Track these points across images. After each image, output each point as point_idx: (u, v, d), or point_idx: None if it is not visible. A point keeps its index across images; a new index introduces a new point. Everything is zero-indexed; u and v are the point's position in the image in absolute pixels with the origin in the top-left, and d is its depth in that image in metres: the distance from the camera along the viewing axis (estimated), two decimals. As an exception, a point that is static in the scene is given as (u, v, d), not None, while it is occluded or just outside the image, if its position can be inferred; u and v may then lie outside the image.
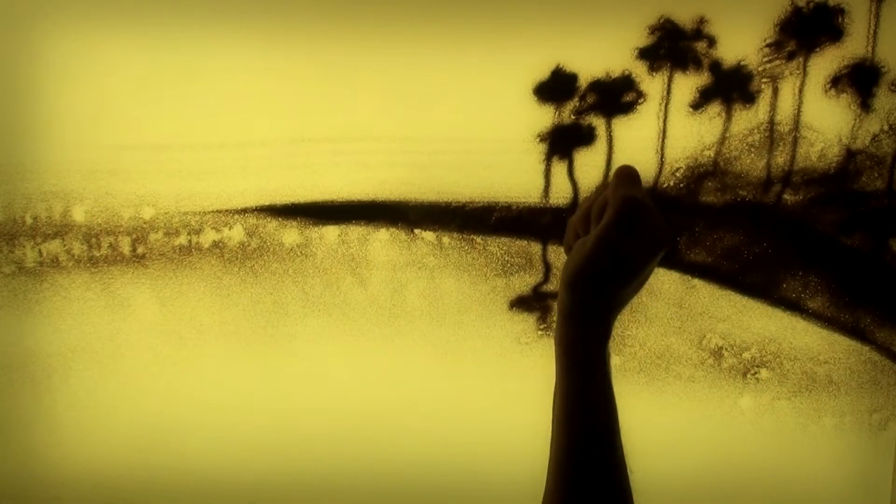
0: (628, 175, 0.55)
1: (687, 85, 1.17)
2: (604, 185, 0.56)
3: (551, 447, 0.58)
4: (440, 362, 1.23)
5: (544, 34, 1.15)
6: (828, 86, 1.16)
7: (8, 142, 1.19)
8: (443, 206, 1.20)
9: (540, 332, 1.23)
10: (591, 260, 0.53)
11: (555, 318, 0.61)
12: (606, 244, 0.53)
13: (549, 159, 1.19)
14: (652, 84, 1.17)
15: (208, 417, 1.24)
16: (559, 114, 1.18)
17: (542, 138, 1.18)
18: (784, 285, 1.21)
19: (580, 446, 0.56)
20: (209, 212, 1.21)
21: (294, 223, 1.21)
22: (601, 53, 1.16)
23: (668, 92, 1.17)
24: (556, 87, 1.16)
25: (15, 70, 1.17)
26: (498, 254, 1.22)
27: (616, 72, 1.16)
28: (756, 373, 1.22)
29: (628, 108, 1.17)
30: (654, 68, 1.16)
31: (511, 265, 1.22)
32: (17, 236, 1.21)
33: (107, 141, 1.19)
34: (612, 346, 1.23)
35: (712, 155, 1.19)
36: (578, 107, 1.17)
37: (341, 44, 1.16)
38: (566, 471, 0.55)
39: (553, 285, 1.22)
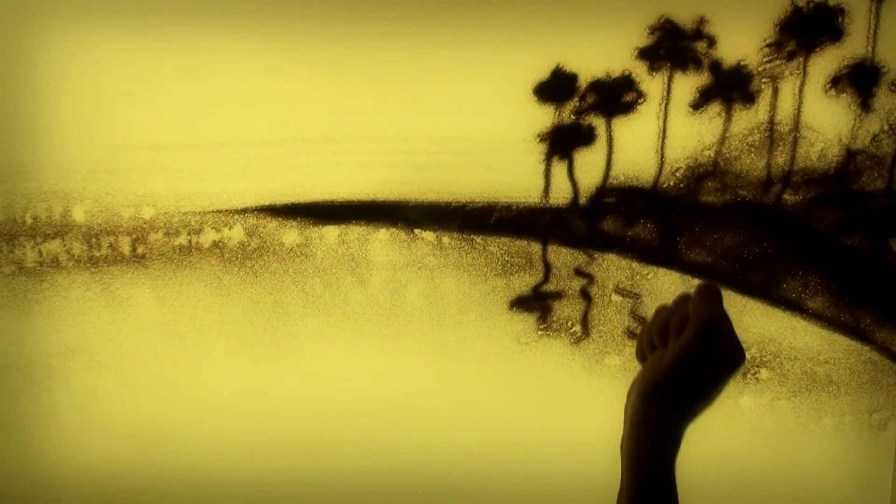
0: (712, 293, 0.56)
1: (687, 85, 1.17)
2: (683, 298, 0.57)
3: None
4: (440, 362, 1.23)
5: (544, 34, 1.15)
6: (828, 86, 1.16)
7: (8, 142, 1.19)
8: (443, 206, 1.20)
9: (540, 332, 1.23)
10: (671, 375, 0.55)
11: (622, 425, 0.62)
12: (688, 361, 0.54)
13: (549, 159, 1.19)
14: (652, 84, 1.17)
15: (208, 417, 1.24)
16: (559, 114, 1.17)
17: (542, 138, 1.18)
18: (784, 285, 1.21)
19: None
20: (209, 212, 1.21)
21: (294, 223, 1.21)
22: (601, 53, 1.16)
23: (668, 92, 1.17)
24: (556, 87, 1.16)
25: (15, 70, 1.17)
26: (498, 254, 1.22)
27: (616, 72, 1.16)
28: (756, 373, 1.22)
29: (628, 108, 1.17)
30: (654, 68, 1.16)
31: (511, 265, 1.22)
32: (17, 236, 1.21)
33: (107, 141, 1.19)
34: (612, 345, 1.23)
35: (712, 155, 1.19)
36: (578, 107, 1.17)
37: (341, 44, 1.16)
38: None
39: (553, 285, 1.22)
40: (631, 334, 1.23)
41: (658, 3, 1.14)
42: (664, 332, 0.57)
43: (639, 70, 1.16)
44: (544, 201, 1.20)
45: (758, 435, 1.21)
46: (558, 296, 1.22)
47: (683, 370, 0.55)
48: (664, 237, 1.21)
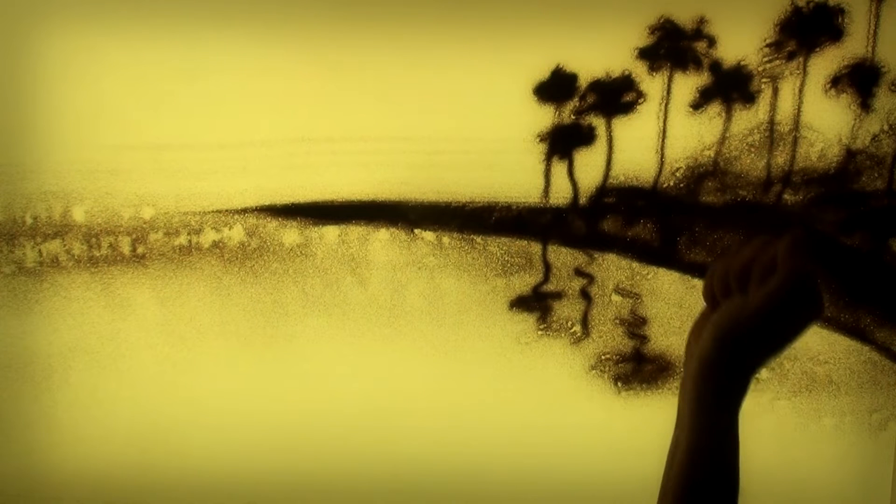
0: (805, 243, 0.55)
1: (687, 85, 1.17)
2: (767, 241, 0.56)
3: (665, 499, 0.59)
4: (440, 362, 1.23)
5: (544, 34, 1.15)
6: (828, 86, 1.16)
7: (8, 142, 1.19)
8: (443, 206, 1.20)
9: (540, 332, 1.23)
10: (752, 324, 0.54)
11: (682, 369, 0.61)
12: (772, 313, 0.54)
13: (549, 159, 1.19)
14: (652, 84, 1.17)
15: (208, 417, 1.24)
16: (559, 114, 1.18)
17: (542, 138, 1.18)
18: (784, 285, 1.21)
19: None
20: (209, 212, 1.21)
21: (294, 223, 1.21)
22: (601, 53, 1.16)
23: (668, 92, 1.17)
24: (556, 87, 1.16)
25: (15, 70, 1.17)
26: (498, 254, 1.22)
27: (616, 72, 1.16)
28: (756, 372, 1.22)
29: (628, 108, 1.17)
30: (654, 68, 1.16)
31: (511, 265, 1.22)
32: (17, 236, 1.21)
33: (107, 141, 1.19)
34: (612, 345, 1.23)
35: (712, 155, 1.19)
36: (578, 107, 1.17)
37: (341, 44, 1.16)
38: None
39: (553, 285, 1.22)
40: (622, 322, 1.23)
41: (658, 3, 1.14)
42: (744, 276, 0.56)
43: (639, 70, 1.16)
44: (544, 201, 1.20)
45: (758, 435, 1.21)
46: (558, 296, 1.22)
47: (766, 321, 0.54)
48: (664, 237, 1.21)
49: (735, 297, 0.56)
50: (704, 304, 0.60)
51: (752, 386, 1.26)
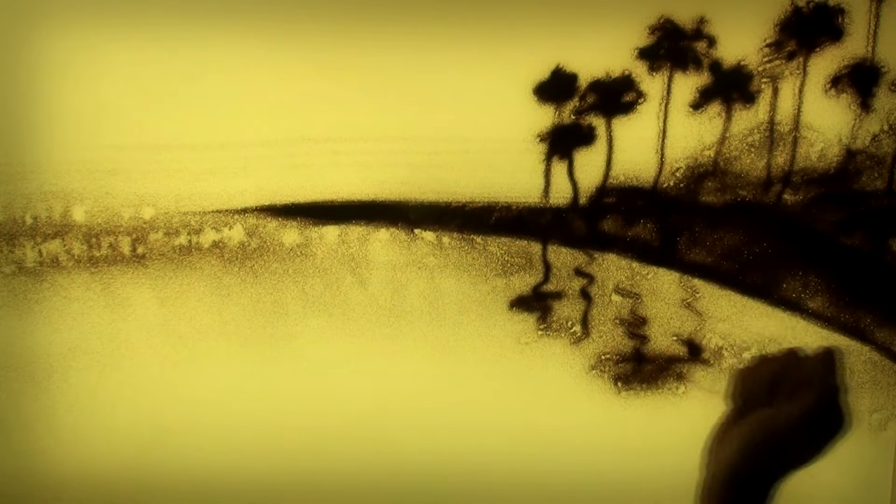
0: (835, 361, 0.57)
1: (687, 85, 1.17)
2: (795, 354, 0.58)
3: None
4: (440, 362, 1.23)
5: (544, 34, 1.15)
6: (828, 86, 1.16)
7: (8, 142, 1.19)
8: (443, 206, 1.20)
9: (540, 332, 1.23)
10: (783, 439, 0.56)
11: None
12: (802, 430, 0.55)
13: (549, 159, 1.19)
14: (652, 84, 1.17)
15: (208, 417, 1.24)
16: (559, 114, 1.18)
17: (542, 138, 1.18)
18: (784, 285, 1.21)
19: None
20: (209, 212, 1.21)
21: (294, 223, 1.21)
22: (601, 53, 1.16)
23: (668, 92, 1.17)
24: (556, 87, 1.16)
25: (15, 70, 1.17)
26: (498, 254, 1.22)
27: (616, 72, 1.16)
28: (756, 373, 1.22)
29: (628, 108, 1.17)
30: (654, 68, 1.16)
31: (511, 265, 1.22)
32: (17, 236, 1.21)
33: (107, 141, 1.19)
34: (612, 345, 1.23)
35: (712, 155, 1.19)
36: (578, 107, 1.17)
37: (341, 44, 1.16)
38: None
39: (553, 285, 1.22)
40: (622, 322, 1.23)
41: (658, 3, 1.14)
42: (773, 387, 0.58)
43: (639, 70, 1.16)
44: (544, 201, 1.20)
45: (758, 435, 1.21)
46: (558, 296, 1.22)
47: (797, 437, 0.56)
48: (664, 237, 1.21)
49: (763, 409, 0.58)
50: (727, 407, 0.61)
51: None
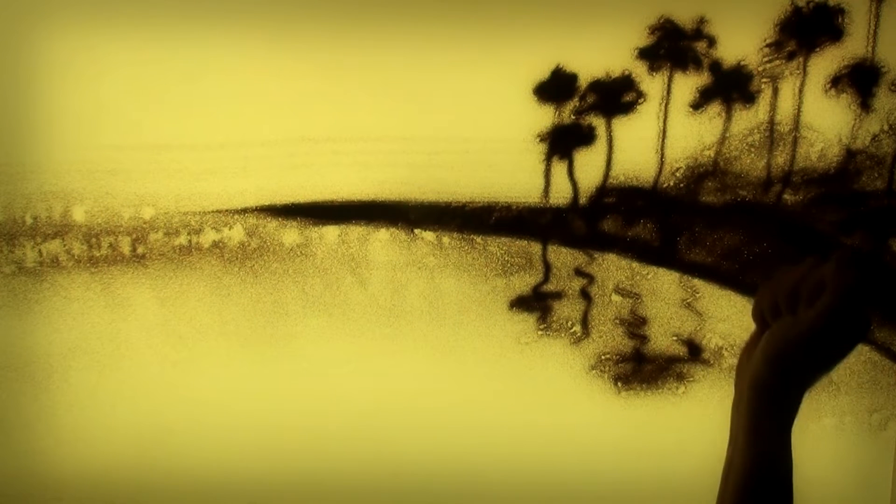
0: (852, 263, 0.56)
1: (687, 85, 1.17)
2: (814, 262, 0.57)
3: None
4: (440, 362, 1.23)
5: (544, 34, 1.15)
6: (828, 86, 1.16)
7: (8, 142, 1.19)
8: (443, 206, 1.20)
9: (540, 332, 1.23)
10: (805, 344, 0.55)
11: (734, 389, 0.62)
12: (824, 332, 0.55)
13: (549, 159, 1.19)
14: (652, 84, 1.17)
15: (208, 417, 1.24)
16: (559, 114, 1.18)
17: (542, 138, 1.18)
18: (784, 285, 1.21)
19: None
20: (209, 212, 1.21)
21: (294, 223, 1.21)
22: (601, 53, 1.16)
23: (668, 92, 1.17)
24: (556, 87, 1.16)
25: (15, 70, 1.17)
26: (498, 254, 1.22)
27: (616, 72, 1.16)
28: (756, 373, 1.22)
29: (628, 108, 1.17)
30: (654, 68, 1.16)
31: (511, 265, 1.22)
32: (17, 236, 1.21)
33: (107, 141, 1.19)
34: (612, 345, 1.23)
35: (712, 155, 1.19)
36: (578, 107, 1.17)
37: (341, 44, 1.16)
38: None
39: (553, 285, 1.22)
40: (622, 322, 1.23)
41: (658, 3, 1.14)
42: (793, 297, 0.57)
43: (639, 70, 1.16)
44: (544, 201, 1.20)
45: (758, 435, 1.21)
46: (558, 296, 1.22)
47: (816, 340, 0.55)
48: (664, 237, 1.21)
49: (785, 317, 0.57)
50: (754, 324, 0.61)
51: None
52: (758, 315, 0.60)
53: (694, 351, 1.23)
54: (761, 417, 0.58)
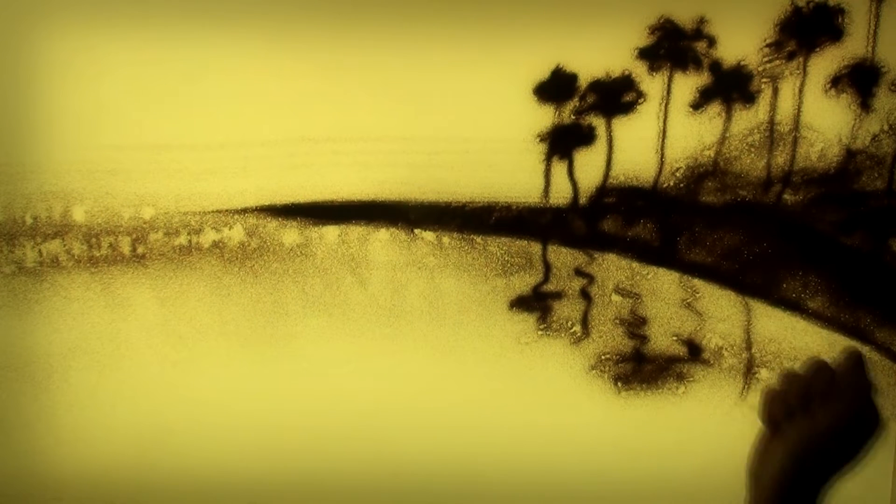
0: (863, 363, 0.60)
1: (687, 85, 1.17)
2: (820, 363, 0.61)
3: None
4: (440, 362, 1.23)
5: (544, 34, 1.15)
6: (828, 86, 1.16)
7: (8, 142, 1.19)
8: (443, 206, 1.20)
9: (540, 332, 1.23)
10: (825, 444, 0.59)
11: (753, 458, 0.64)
12: (842, 433, 0.58)
13: (549, 159, 1.19)
14: (652, 84, 1.17)
15: (208, 417, 1.24)
16: (559, 114, 1.18)
17: (542, 138, 1.18)
18: (784, 285, 1.21)
19: None
20: (209, 212, 1.21)
21: (294, 223, 1.21)
22: (601, 53, 1.16)
23: (668, 92, 1.17)
24: (556, 87, 1.16)
25: (15, 70, 1.17)
26: (498, 254, 1.22)
27: (616, 72, 1.16)
28: (756, 373, 1.22)
29: (628, 108, 1.17)
30: (654, 68, 1.16)
31: (511, 265, 1.22)
32: (17, 236, 1.21)
33: (107, 141, 1.19)
34: (612, 345, 1.23)
35: (712, 155, 1.19)
36: (578, 107, 1.17)
37: (342, 44, 1.16)
38: None
39: (553, 285, 1.22)
40: (622, 322, 1.23)
41: (658, 3, 1.14)
42: (805, 397, 0.60)
43: (639, 70, 1.16)
44: (544, 201, 1.20)
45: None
46: (558, 296, 1.22)
47: (837, 440, 0.58)
48: (664, 237, 1.21)
49: (799, 419, 0.60)
50: (764, 427, 0.63)
51: (753, 386, 1.26)
52: (767, 417, 0.63)
53: (694, 351, 1.23)
54: None
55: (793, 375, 0.62)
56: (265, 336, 1.23)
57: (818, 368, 0.61)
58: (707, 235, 1.21)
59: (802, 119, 1.17)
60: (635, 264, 1.22)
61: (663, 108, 1.17)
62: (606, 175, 1.19)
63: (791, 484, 0.60)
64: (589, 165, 1.19)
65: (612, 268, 1.22)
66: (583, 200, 1.20)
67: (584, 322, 1.23)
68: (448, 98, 1.17)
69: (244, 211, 1.21)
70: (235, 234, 1.21)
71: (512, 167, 1.19)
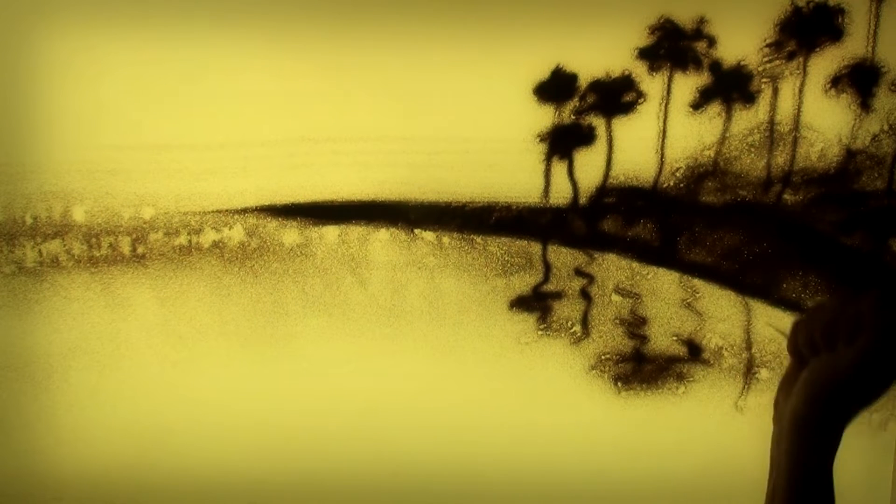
0: (889, 301, 0.58)
1: (687, 85, 1.17)
2: (847, 298, 0.59)
3: None
4: (440, 362, 1.23)
5: (544, 34, 1.15)
6: (828, 86, 1.16)
7: (8, 142, 1.19)
8: (443, 206, 1.20)
9: (540, 332, 1.23)
10: (847, 381, 0.57)
11: (772, 420, 0.64)
12: (865, 369, 0.57)
13: (549, 159, 1.19)
14: (652, 84, 1.17)
15: (208, 417, 1.24)
16: (559, 114, 1.18)
17: (542, 138, 1.18)
18: (784, 285, 1.21)
19: None
20: (209, 212, 1.21)
21: (294, 223, 1.21)
22: (601, 53, 1.16)
23: (668, 92, 1.17)
24: (556, 87, 1.16)
25: (15, 70, 1.17)
26: (498, 254, 1.22)
27: (616, 72, 1.16)
28: (756, 373, 1.22)
29: (628, 108, 1.17)
30: (654, 68, 1.16)
31: (511, 265, 1.22)
32: (17, 236, 1.21)
33: (107, 141, 1.19)
34: (612, 345, 1.23)
35: (712, 155, 1.19)
36: (578, 107, 1.17)
37: (342, 44, 1.16)
38: None
39: (553, 285, 1.22)
40: (622, 322, 1.23)
41: (658, 3, 1.14)
42: (831, 333, 0.59)
43: (639, 70, 1.16)
44: (544, 201, 1.20)
45: (758, 435, 1.21)
46: (558, 296, 1.22)
47: (858, 377, 0.57)
48: (664, 237, 1.21)
49: (823, 355, 0.59)
50: (790, 358, 0.63)
51: (753, 386, 1.26)
52: (794, 349, 0.62)
53: (694, 351, 1.23)
54: (803, 453, 0.60)
55: (820, 308, 0.60)
56: (265, 336, 1.23)
57: (844, 304, 0.59)
58: (707, 235, 1.21)
59: (802, 119, 1.17)
60: (635, 264, 1.22)
61: (663, 108, 1.17)
62: (606, 175, 1.19)
63: (810, 419, 0.59)
64: (589, 165, 1.19)
65: (612, 268, 1.22)
66: (583, 200, 1.20)
67: (584, 322, 1.23)
68: (448, 98, 1.17)
69: (244, 211, 1.21)
70: (235, 234, 1.21)
71: (512, 167, 1.19)
